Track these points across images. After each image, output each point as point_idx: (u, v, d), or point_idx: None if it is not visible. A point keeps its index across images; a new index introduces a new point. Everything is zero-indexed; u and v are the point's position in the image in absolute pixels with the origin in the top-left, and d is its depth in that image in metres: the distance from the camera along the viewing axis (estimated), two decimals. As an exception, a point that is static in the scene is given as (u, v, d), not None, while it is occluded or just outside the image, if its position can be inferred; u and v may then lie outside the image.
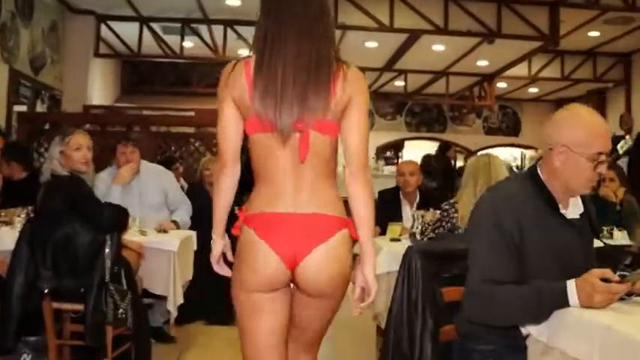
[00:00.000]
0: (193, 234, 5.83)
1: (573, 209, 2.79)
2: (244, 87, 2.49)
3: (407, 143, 17.33)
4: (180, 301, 5.24)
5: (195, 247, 5.83)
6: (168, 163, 8.03)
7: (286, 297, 2.62)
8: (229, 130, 2.56)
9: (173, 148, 9.16)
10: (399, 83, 15.26)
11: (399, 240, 5.35)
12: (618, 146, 14.11)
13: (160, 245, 5.10)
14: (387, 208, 6.12)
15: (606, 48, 13.58)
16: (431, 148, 17.43)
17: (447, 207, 4.51)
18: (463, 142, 17.37)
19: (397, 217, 6.05)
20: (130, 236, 5.00)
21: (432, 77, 14.83)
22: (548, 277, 2.52)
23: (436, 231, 4.49)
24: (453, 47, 12.27)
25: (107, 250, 4.26)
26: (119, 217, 4.51)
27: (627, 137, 13.79)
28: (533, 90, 16.40)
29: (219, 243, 2.82)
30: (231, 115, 2.54)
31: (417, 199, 6.19)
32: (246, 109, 2.50)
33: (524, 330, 2.55)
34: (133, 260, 4.75)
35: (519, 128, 17.90)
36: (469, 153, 16.84)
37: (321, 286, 2.53)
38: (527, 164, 16.46)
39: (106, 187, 5.71)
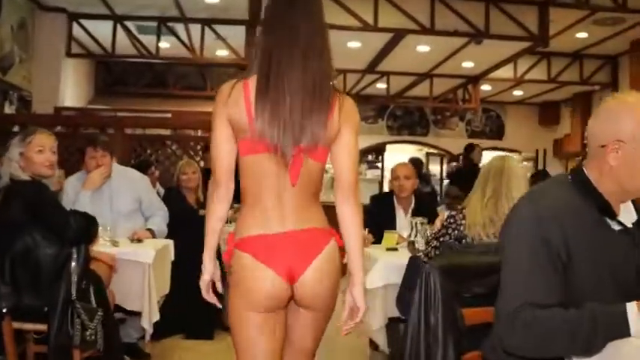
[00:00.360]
0: (170, 243, 5.37)
1: (626, 216, 2.34)
2: (243, 109, 2.51)
3: (389, 147, 16.88)
4: (156, 317, 4.75)
5: (172, 257, 5.36)
6: (143, 167, 7.58)
7: (283, 317, 2.65)
8: (224, 149, 2.59)
9: (149, 152, 8.65)
10: (381, 86, 14.86)
11: (395, 249, 4.91)
12: (604, 150, 13.76)
13: (133, 256, 4.62)
14: (379, 215, 5.68)
15: (593, 50, 13.27)
16: (413, 151, 17.09)
17: (453, 213, 4.05)
18: (446, 145, 16.98)
19: (391, 224, 5.60)
20: (101, 247, 4.53)
21: (415, 79, 14.44)
22: (603, 299, 2.10)
23: (441, 239, 4.04)
24: (439, 48, 11.90)
25: (73, 264, 3.77)
26: (87, 227, 4.00)
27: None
28: (517, 93, 16.04)
29: (209, 268, 2.80)
30: (226, 134, 2.57)
31: (412, 205, 5.74)
32: (242, 131, 2.53)
33: (570, 363, 2.09)
34: (104, 274, 4.28)
35: (503, 131, 17.52)
36: (452, 157, 16.45)
37: (319, 299, 2.58)
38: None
39: (76, 193, 5.28)
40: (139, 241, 4.94)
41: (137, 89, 13.74)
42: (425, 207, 5.74)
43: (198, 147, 8.63)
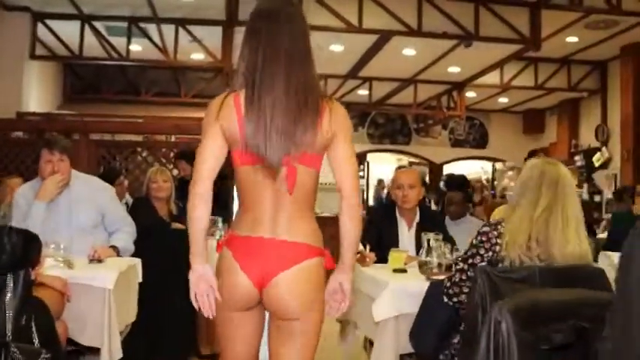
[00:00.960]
0: (137, 262, 4.49)
1: None
2: (234, 120, 2.54)
3: (369, 156, 16.10)
4: (119, 355, 3.86)
5: (139, 278, 4.50)
6: (111, 177, 6.76)
7: (258, 315, 2.70)
8: (210, 153, 2.59)
9: (117, 159, 7.80)
10: (363, 92, 14.15)
11: (404, 271, 4.08)
12: (594, 159, 13.25)
13: (90, 281, 3.73)
14: (379, 229, 4.86)
15: (582, 55, 12.71)
16: (396, 161, 16.37)
17: (486, 229, 3.22)
18: (428, 154, 16.24)
19: (393, 240, 4.78)
20: (51, 270, 3.68)
21: (399, 85, 13.71)
22: None
23: (469, 261, 3.22)
24: (425, 51, 11.26)
25: (8, 295, 2.89)
26: (25, 248, 3.10)
27: (604, 149, 12.94)
28: (503, 100, 15.35)
29: (198, 270, 2.67)
30: (217, 143, 2.58)
31: (417, 218, 4.92)
32: (234, 142, 2.57)
33: None
34: (54, 303, 3.42)
35: (486, 140, 16.76)
36: (434, 166, 15.71)
37: (286, 305, 2.57)
38: (499, 177, 15.44)
39: (28, 204, 4.46)
40: (100, 261, 4.06)
41: (108, 96, 12.84)
42: (431, 220, 4.94)
43: (171, 154, 7.79)
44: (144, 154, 7.93)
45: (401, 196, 4.84)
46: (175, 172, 7.83)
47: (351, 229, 2.66)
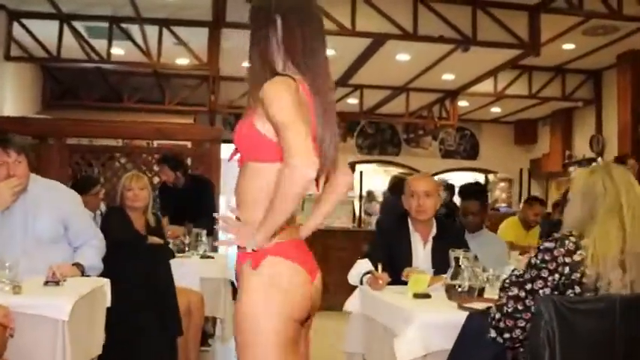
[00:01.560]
0: (105, 283, 3.65)
1: None
2: (308, 111, 2.24)
3: (358, 167, 15.28)
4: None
5: (108, 302, 3.66)
6: (87, 186, 5.94)
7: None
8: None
9: (94, 165, 6.96)
10: (353, 101, 13.36)
11: (427, 296, 3.26)
12: (589, 169, 12.49)
13: (41, 310, 2.87)
14: (389, 244, 4.06)
15: (577, 64, 12.03)
16: (383, 172, 15.61)
17: (549, 246, 2.41)
18: (418, 165, 15.42)
19: (405, 258, 3.98)
20: (-7, 295, 2.84)
21: (390, 94, 12.93)
22: None
23: (528, 286, 2.40)
24: (420, 57, 10.51)
25: None
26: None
27: (599, 160, 12.24)
28: (495, 110, 14.63)
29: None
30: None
31: (434, 232, 4.11)
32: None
33: None
34: (-8, 338, 2.61)
35: (477, 151, 15.99)
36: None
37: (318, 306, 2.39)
38: (491, 189, 14.72)
39: (-22, 213, 3.62)
40: (57, 283, 3.22)
41: (88, 102, 11.91)
42: (451, 234, 4.14)
43: (152, 160, 6.96)
44: (122, 161, 7.11)
45: (415, 206, 4.03)
46: (156, 179, 7.06)
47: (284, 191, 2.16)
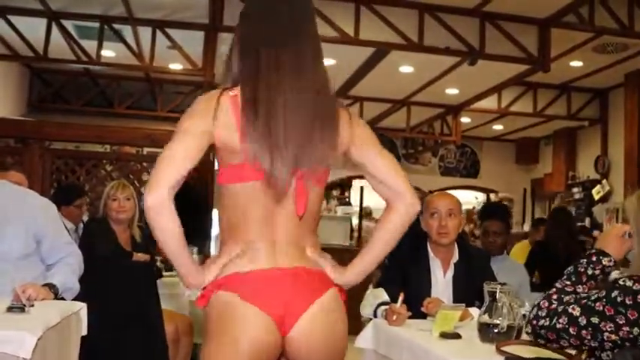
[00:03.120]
0: (81, 308, 3.15)
1: None
2: (233, 128, 2.01)
3: (357, 182, 14.85)
4: None
5: (84, 331, 3.17)
6: (71, 195, 5.48)
7: None
8: (184, 161, 1.97)
9: (77, 172, 6.48)
10: (352, 114, 12.80)
11: (457, 336, 2.79)
12: (593, 191, 12.20)
13: None
14: (405, 272, 3.59)
15: (583, 82, 11.61)
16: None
17: (633, 286, 1.94)
18: (417, 182, 14.82)
19: (422, 287, 3.51)
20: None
21: (390, 108, 12.47)
22: None
23: (606, 337, 1.94)
24: (424, 69, 10.06)
25: None
26: None
27: (604, 181, 11.89)
28: (497, 127, 14.21)
29: (213, 270, 2.05)
30: (201, 142, 2.00)
31: (456, 257, 3.65)
32: (230, 154, 2.04)
33: None
34: None
35: (478, 169, 15.55)
36: (423, 195, 14.45)
37: (317, 351, 2.00)
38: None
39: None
40: (22, 309, 2.73)
41: (77, 106, 11.44)
42: (473, 261, 3.67)
43: (141, 168, 6.48)
44: (109, 168, 6.61)
45: (437, 227, 3.56)
46: (144, 189, 6.60)
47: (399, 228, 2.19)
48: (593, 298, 2.08)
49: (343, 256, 8.93)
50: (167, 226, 1.96)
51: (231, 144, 2.02)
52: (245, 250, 2.03)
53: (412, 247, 3.70)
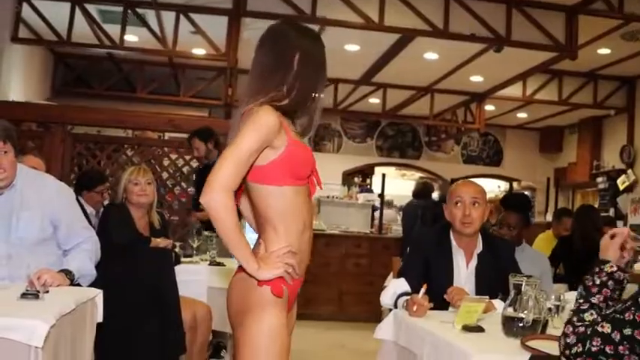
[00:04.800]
0: (98, 294, 3.09)
1: None
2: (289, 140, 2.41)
3: (378, 169, 14.72)
4: None
5: (100, 318, 3.10)
6: (92, 181, 5.42)
7: None
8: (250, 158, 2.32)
9: (98, 156, 6.43)
10: (374, 100, 12.71)
11: (479, 329, 2.69)
12: (618, 181, 11.98)
13: (7, 332, 2.28)
14: (427, 262, 3.48)
15: (610, 70, 11.36)
16: (400, 177, 15.04)
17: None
18: (439, 170, 14.82)
19: (444, 278, 3.40)
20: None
21: (413, 95, 12.30)
22: None
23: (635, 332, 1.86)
24: (449, 56, 9.91)
25: None
26: None
27: (630, 171, 11.68)
28: (522, 115, 13.95)
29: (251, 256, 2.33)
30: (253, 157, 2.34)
31: (480, 248, 3.54)
32: (303, 166, 2.45)
33: None
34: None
35: (501, 157, 15.28)
36: (444, 183, 14.29)
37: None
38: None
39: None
40: (36, 296, 2.67)
41: (102, 91, 11.35)
42: (497, 251, 3.56)
43: (162, 153, 6.41)
44: (130, 153, 6.55)
45: (460, 217, 3.45)
46: (165, 175, 6.53)
47: None
48: (619, 309, 1.99)
49: (363, 243, 8.86)
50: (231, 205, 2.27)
51: (305, 160, 2.49)
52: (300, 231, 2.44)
53: (435, 237, 3.60)
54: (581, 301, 2.19)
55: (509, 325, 2.61)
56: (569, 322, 2.13)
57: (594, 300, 2.16)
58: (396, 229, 9.80)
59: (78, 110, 7.14)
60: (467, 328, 2.67)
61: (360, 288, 9.00)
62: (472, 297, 2.95)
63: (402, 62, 10.12)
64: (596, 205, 11.71)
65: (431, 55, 9.85)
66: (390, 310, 3.29)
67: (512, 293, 2.67)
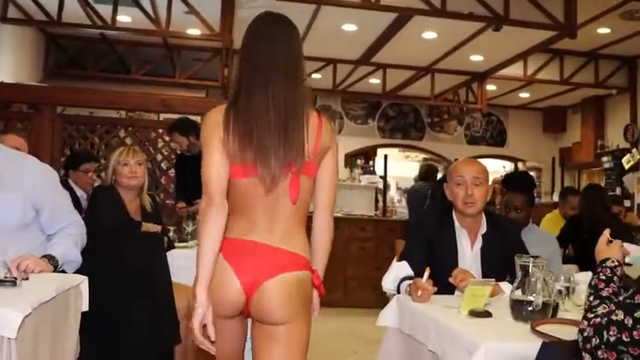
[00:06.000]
0: (82, 282, 2.91)
1: None
2: (232, 136, 2.45)
3: (380, 151, 14.54)
4: None
5: (85, 306, 2.94)
6: (76, 160, 5.26)
7: (243, 325, 2.62)
8: (217, 169, 2.45)
9: (89, 139, 6.25)
10: (375, 81, 12.51)
11: (487, 314, 2.54)
12: (623, 160, 11.84)
13: None
14: (431, 244, 3.32)
15: (611, 49, 11.22)
16: (403, 158, 14.85)
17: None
18: (442, 151, 14.63)
19: (448, 260, 3.24)
20: None
21: (414, 75, 12.10)
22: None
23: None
24: (447, 35, 9.76)
25: None
26: None
27: (634, 150, 11.53)
28: (524, 95, 13.80)
29: (203, 301, 2.36)
30: (219, 157, 2.45)
31: (484, 229, 3.38)
32: (232, 157, 2.46)
33: None
34: None
35: (505, 138, 15.13)
36: (448, 164, 14.10)
37: (275, 310, 2.42)
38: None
39: None
40: (14, 283, 2.50)
41: (95, 73, 11.11)
42: (503, 232, 3.39)
43: (154, 134, 6.23)
44: (122, 135, 6.36)
45: (462, 197, 3.28)
46: (160, 157, 6.36)
47: (327, 238, 2.63)
48: (629, 294, 1.94)
49: (371, 225, 8.65)
50: (216, 224, 2.42)
51: (232, 149, 2.49)
52: (243, 225, 2.49)
53: (437, 218, 3.43)
54: (592, 298, 2.14)
55: (518, 309, 2.46)
56: (583, 317, 2.05)
57: (604, 293, 2.13)
58: (401, 212, 9.61)
59: (68, 91, 6.94)
60: (473, 314, 2.51)
61: (365, 273, 8.78)
62: (478, 280, 2.78)
63: (400, 42, 9.97)
64: (603, 185, 11.57)
65: (429, 35, 9.69)
66: (394, 296, 3.14)
67: (519, 275, 2.51)
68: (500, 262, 3.23)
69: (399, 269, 3.18)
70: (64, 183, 5.47)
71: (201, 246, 2.39)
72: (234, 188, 2.48)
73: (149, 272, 3.61)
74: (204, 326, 2.36)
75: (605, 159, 12.41)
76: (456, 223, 3.36)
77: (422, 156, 15.42)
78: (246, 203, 2.48)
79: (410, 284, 2.94)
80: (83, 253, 3.24)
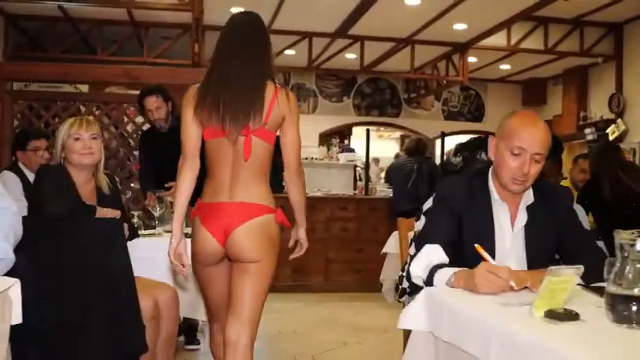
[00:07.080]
0: (11, 286, 2.10)
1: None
2: (204, 107, 2.92)
3: (355, 130, 13.81)
4: None
5: (18, 318, 2.13)
6: (21, 139, 4.47)
7: (225, 267, 2.99)
8: (190, 131, 2.94)
9: (44, 118, 5.40)
10: (351, 55, 11.74)
11: (575, 317, 1.75)
12: (608, 131, 11.27)
13: None
14: (460, 221, 2.53)
15: (596, 16, 10.53)
16: (377, 137, 14.15)
17: None
18: (420, 128, 13.93)
19: (485, 241, 2.42)
20: None
21: (393, 47, 11.34)
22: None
23: None
24: (430, 2, 9.04)
25: None
26: None
27: (619, 121, 10.95)
28: (504, 67, 13.12)
29: (178, 234, 2.91)
30: (194, 125, 2.93)
31: (531, 198, 2.56)
32: (205, 121, 2.91)
33: None
34: None
35: (483, 113, 14.47)
36: (426, 140, 13.37)
37: (246, 251, 2.87)
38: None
39: None
40: None
41: (59, 54, 10.16)
42: (553, 202, 2.59)
43: (124, 107, 5.37)
44: (82, 111, 5.51)
45: (514, 172, 2.45)
46: (131, 127, 5.51)
47: (296, 192, 3.08)
48: None
49: (348, 205, 7.87)
50: (188, 177, 2.96)
51: (204, 116, 2.97)
52: (211, 189, 2.95)
53: (467, 187, 2.61)
54: None
55: (621, 308, 1.67)
56: None
57: None
58: (381, 190, 8.89)
59: (19, 66, 6.08)
60: (553, 316, 1.72)
61: (348, 255, 8.01)
62: (559, 268, 1.93)
63: (381, 10, 9.23)
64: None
65: (412, 1, 8.92)
66: (419, 287, 2.34)
67: (619, 259, 1.72)
68: (550, 241, 2.47)
69: (431, 253, 2.35)
70: (14, 166, 4.68)
71: (177, 192, 2.91)
72: (207, 149, 2.96)
73: (106, 267, 2.79)
74: (180, 255, 2.90)
75: (588, 130, 11.78)
76: (494, 195, 2.55)
77: (398, 133, 14.69)
78: (215, 161, 2.93)
79: (456, 273, 2.15)
80: (19, 248, 2.43)
